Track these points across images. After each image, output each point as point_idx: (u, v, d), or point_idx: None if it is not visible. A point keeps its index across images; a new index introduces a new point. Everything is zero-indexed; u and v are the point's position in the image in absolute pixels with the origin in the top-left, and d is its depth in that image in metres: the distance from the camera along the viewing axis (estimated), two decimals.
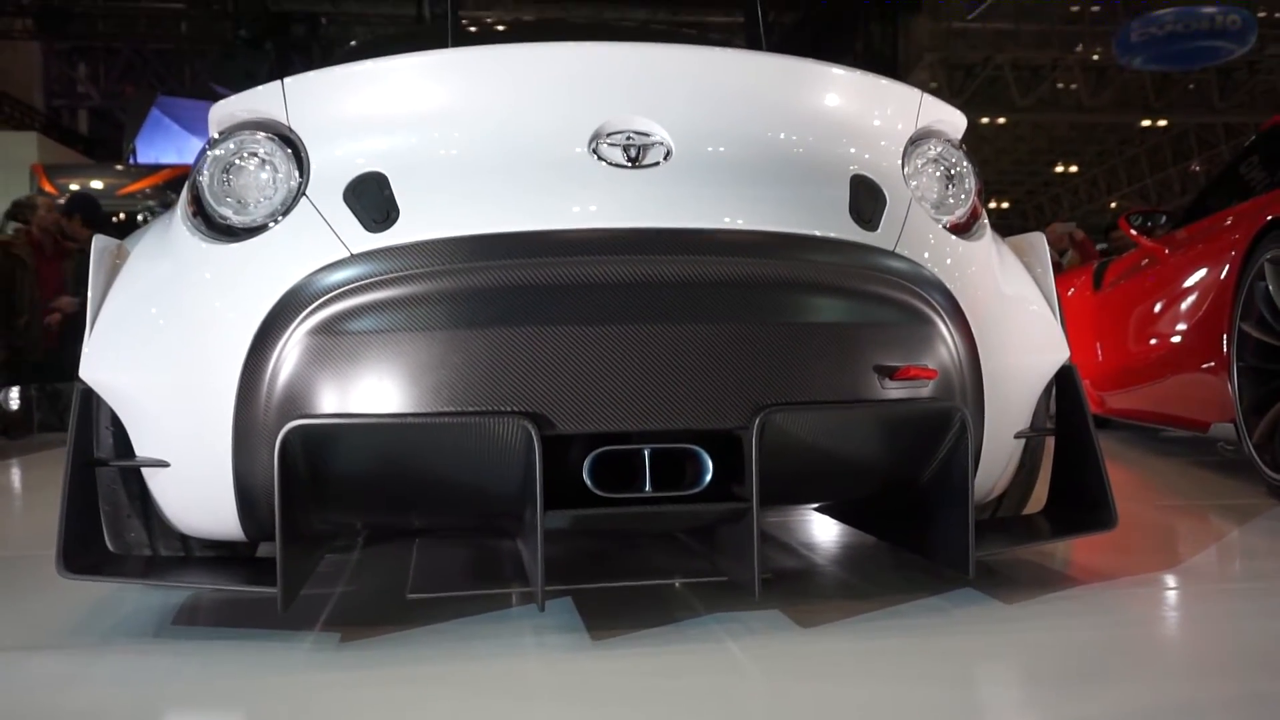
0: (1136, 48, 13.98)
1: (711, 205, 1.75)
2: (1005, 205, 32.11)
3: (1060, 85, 20.16)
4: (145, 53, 19.39)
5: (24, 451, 5.53)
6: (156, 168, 12.10)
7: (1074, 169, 28.89)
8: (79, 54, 19.79)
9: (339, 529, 2.47)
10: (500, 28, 3.48)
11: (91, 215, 7.24)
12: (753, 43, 2.97)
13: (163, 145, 14.39)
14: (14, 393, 6.69)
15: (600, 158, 1.78)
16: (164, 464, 1.79)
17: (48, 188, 10.99)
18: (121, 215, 10.78)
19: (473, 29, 3.19)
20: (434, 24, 8.64)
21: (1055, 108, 20.63)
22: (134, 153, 14.20)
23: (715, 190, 1.77)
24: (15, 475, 4.58)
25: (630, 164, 1.77)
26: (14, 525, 3.31)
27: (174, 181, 11.16)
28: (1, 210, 8.01)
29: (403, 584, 2.17)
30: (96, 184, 11.35)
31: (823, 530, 2.69)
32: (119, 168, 12.58)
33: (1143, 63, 14.36)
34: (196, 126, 13.70)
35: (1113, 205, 27.25)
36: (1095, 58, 18.84)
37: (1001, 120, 22.40)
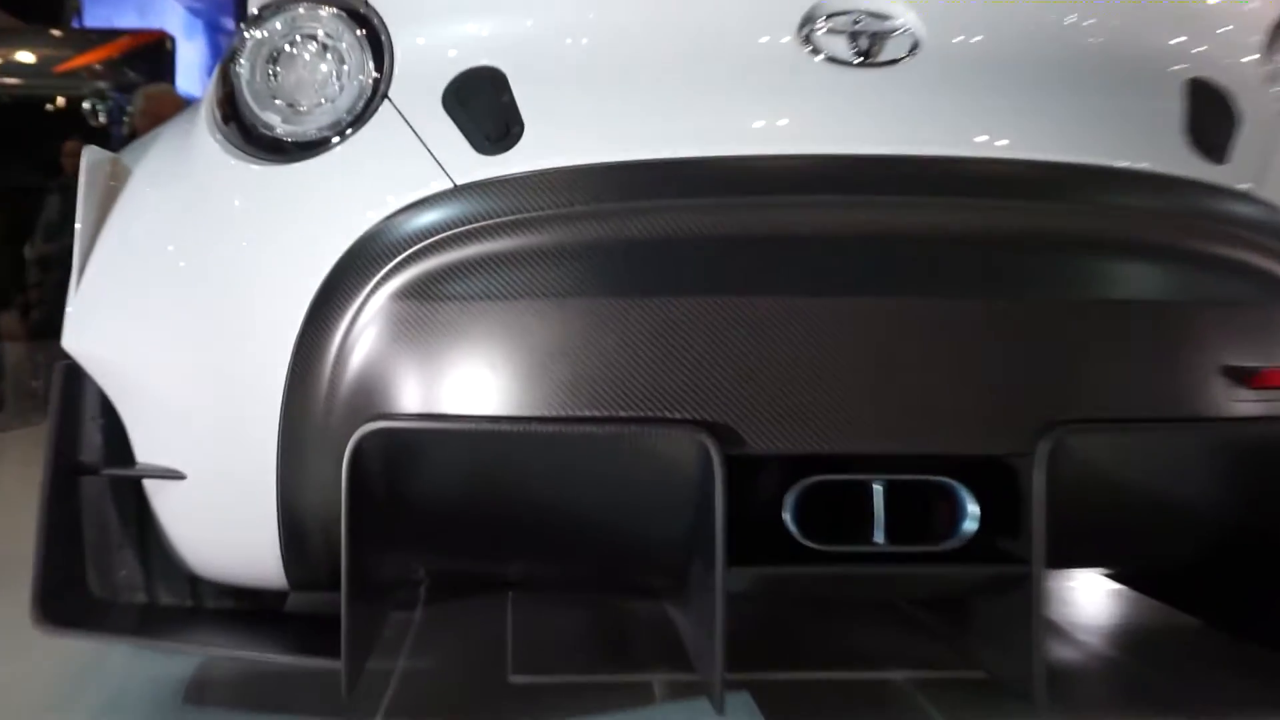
0: None
1: (979, 123, 1.73)
2: None
3: None
4: None
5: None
6: (111, 35, 12.41)
7: None
8: None
9: (406, 576, 2.51)
10: None
11: None
12: None
13: (118, 1, 14.78)
14: None
15: (815, 50, 1.77)
16: (176, 475, 1.82)
17: None
18: (60, 101, 11.09)
19: None
20: None
21: None
22: (78, 12, 14.58)
23: (985, 101, 1.75)
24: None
25: (860, 60, 1.76)
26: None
27: (135, 54, 11.43)
28: None
29: (496, 660, 2.19)
30: (25, 57, 11.69)
31: (1099, 598, 2.64)
32: (56, 34, 12.94)
33: None
34: None
35: None
36: None
37: None
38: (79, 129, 9.17)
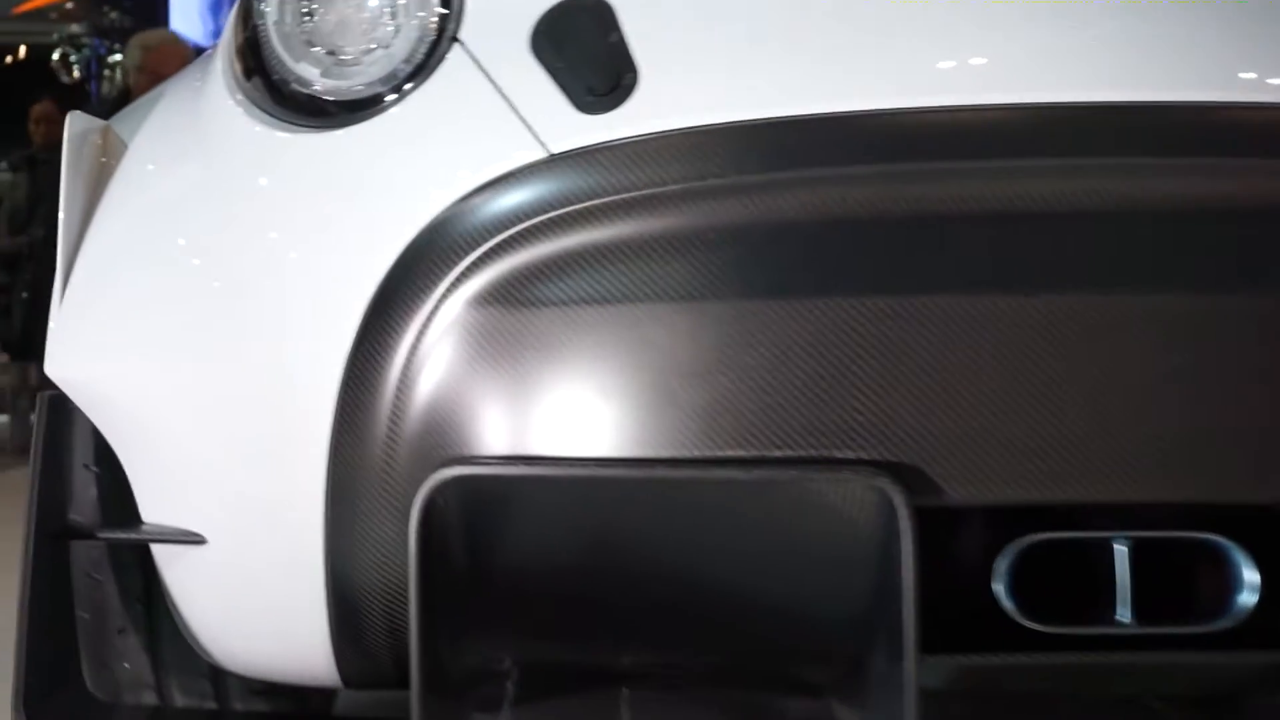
0: None
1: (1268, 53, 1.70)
2: None
3: None
4: None
5: None
6: None
7: None
8: None
9: (491, 667, 2.49)
10: None
11: None
12: None
13: None
14: None
15: None
16: (195, 539, 1.82)
17: None
18: (20, 52, 11.29)
19: None
20: None
21: None
22: None
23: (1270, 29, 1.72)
24: None
25: None
26: None
27: None
28: None
29: None
30: None
31: None
32: None
33: None
34: None
35: None
36: None
37: None
38: (47, 87, 9.21)
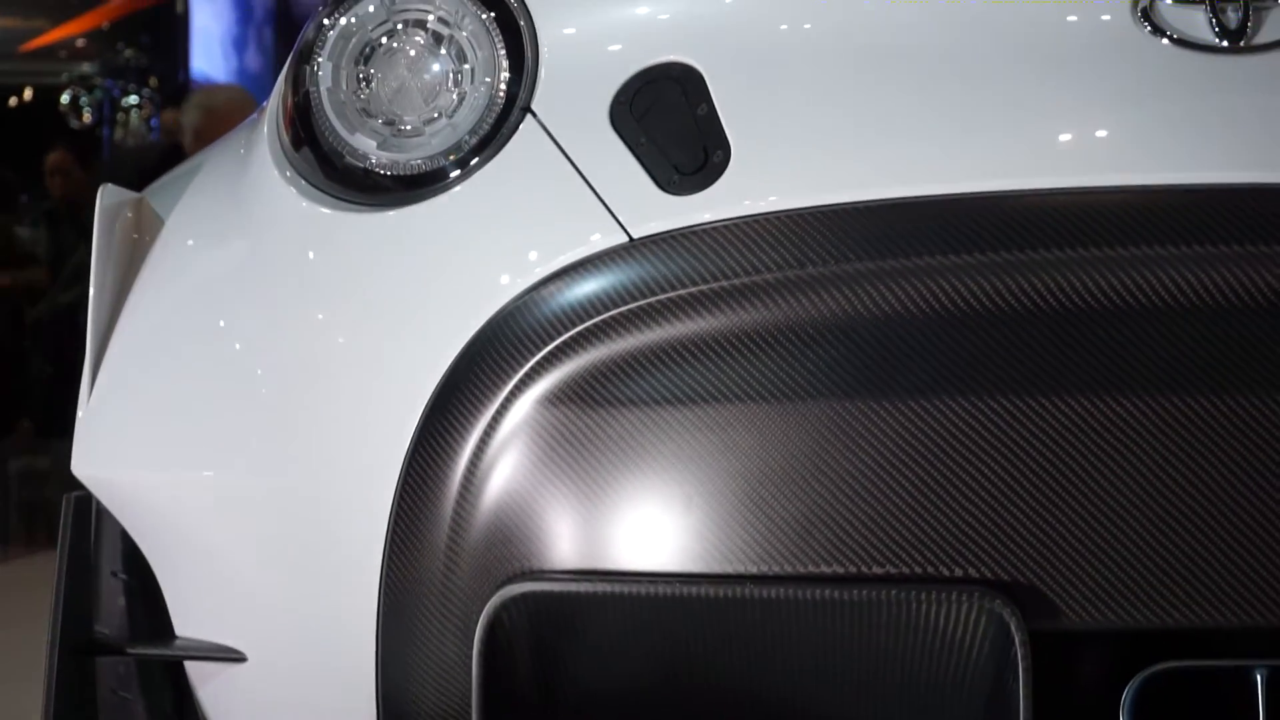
0: None
1: None
2: None
3: None
4: None
5: None
6: None
7: None
8: None
9: None
10: None
11: None
12: None
13: None
14: None
15: (1156, 29, 1.67)
16: (235, 656, 1.77)
17: None
18: (27, 94, 11.29)
19: None
20: None
21: None
22: None
23: None
24: None
25: (1227, 41, 1.66)
26: None
27: (132, 24, 11.54)
28: None
29: None
30: None
31: None
32: None
33: None
34: None
35: None
36: None
37: None
38: (56, 131, 9.12)
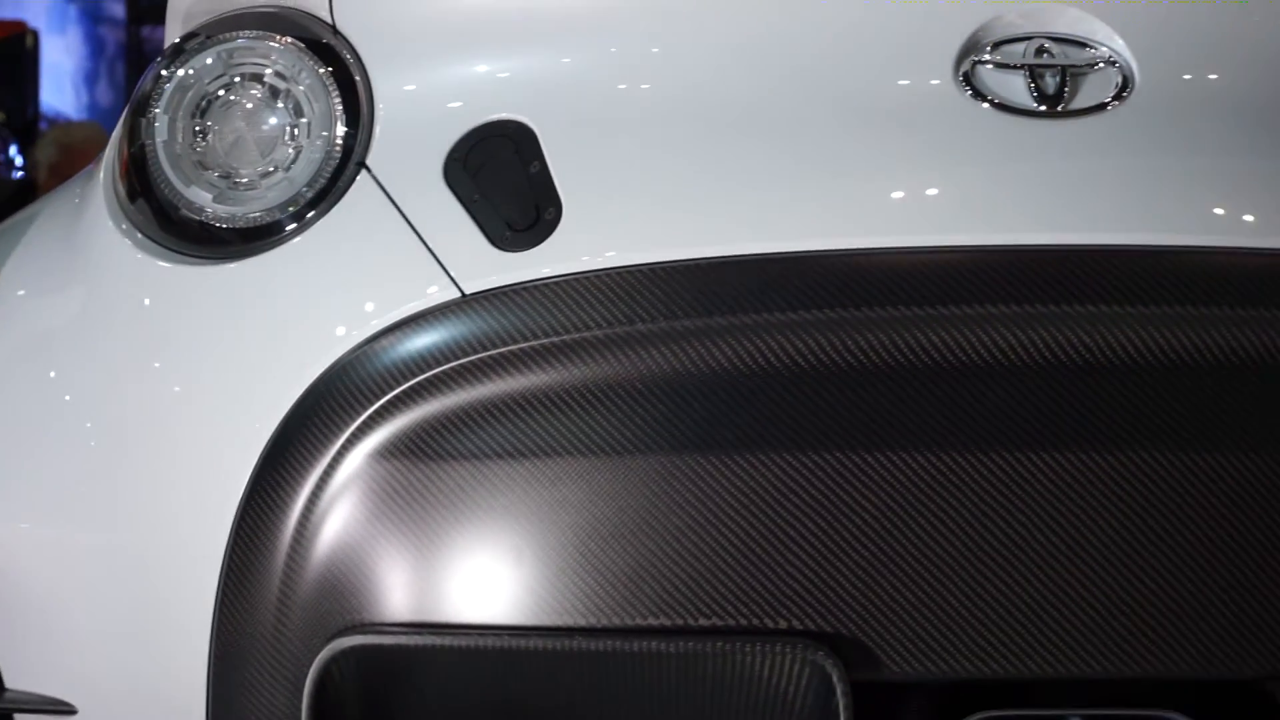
0: None
1: (1227, 197, 1.69)
2: None
3: None
4: None
5: None
6: None
7: None
8: None
9: None
10: None
11: None
12: None
13: None
14: None
15: (977, 93, 1.71)
16: (64, 709, 1.75)
17: None
18: None
19: None
20: None
21: None
22: None
23: (1233, 163, 1.72)
24: None
25: (1045, 106, 1.70)
26: None
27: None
28: None
29: None
30: None
31: None
32: None
33: None
34: None
35: None
36: None
37: None
38: None
